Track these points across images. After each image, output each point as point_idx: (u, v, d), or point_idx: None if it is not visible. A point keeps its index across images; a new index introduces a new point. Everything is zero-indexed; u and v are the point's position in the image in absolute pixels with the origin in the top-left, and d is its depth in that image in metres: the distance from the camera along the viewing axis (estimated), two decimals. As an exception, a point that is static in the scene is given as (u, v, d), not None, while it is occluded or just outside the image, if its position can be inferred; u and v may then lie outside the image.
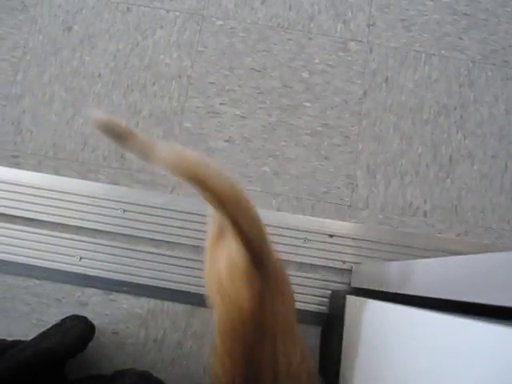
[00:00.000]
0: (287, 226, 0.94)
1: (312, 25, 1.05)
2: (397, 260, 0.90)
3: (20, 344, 0.85)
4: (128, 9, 1.06)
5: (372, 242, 0.95)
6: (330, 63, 1.03)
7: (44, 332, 0.89)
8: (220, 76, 1.02)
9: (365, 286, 0.84)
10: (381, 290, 0.75)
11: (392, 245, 0.95)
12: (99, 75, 1.03)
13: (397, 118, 1.01)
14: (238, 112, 1.00)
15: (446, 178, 1.00)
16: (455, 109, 1.03)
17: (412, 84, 1.04)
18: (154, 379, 0.83)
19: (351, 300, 0.76)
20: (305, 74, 1.02)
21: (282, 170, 0.97)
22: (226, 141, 0.99)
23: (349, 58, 1.04)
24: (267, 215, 0.94)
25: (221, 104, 1.00)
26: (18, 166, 0.97)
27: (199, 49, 1.04)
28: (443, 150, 1.02)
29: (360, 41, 1.05)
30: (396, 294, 0.65)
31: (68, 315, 0.92)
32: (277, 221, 0.94)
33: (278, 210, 0.95)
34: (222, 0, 1.07)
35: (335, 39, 1.05)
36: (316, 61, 1.03)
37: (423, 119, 1.02)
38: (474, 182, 1.00)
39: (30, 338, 0.83)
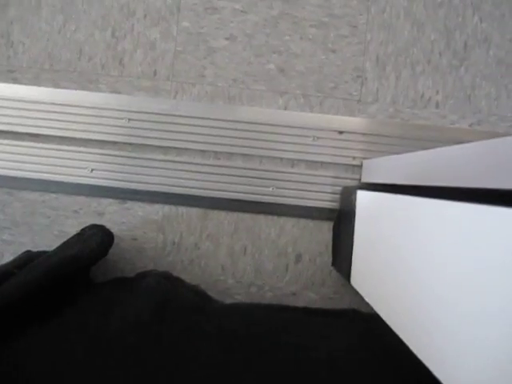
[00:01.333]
0: (295, 125, 0.94)
1: None
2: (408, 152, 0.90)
3: (44, 254, 0.90)
4: None
5: (382, 136, 0.95)
6: None
7: (66, 242, 0.94)
8: (215, -33, 0.96)
9: (375, 180, 0.85)
10: (391, 183, 0.76)
11: (403, 138, 0.95)
12: (86, -25, 0.97)
13: (407, 2, 0.96)
14: (237, 6, 0.95)
15: (459, 66, 0.97)
16: (471, -14, 0.97)
17: (424, -39, 0.97)
18: (174, 278, 0.89)
19: (362, 194, 0.78)
20: (307, -42, 0.96)
21: (288, 66, 0.95)
22: (227, 39, 0.96)
23: None
24: (274, 114, 0.94)
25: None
26: (15, 81, 0.96)
27: None
28: (457, 35, 0.97)
29: None
30: (406, 186, 0.66)
31: (86, 225, 0.96)
32: (284, 120, 0.94)
33: (285, 108, 0.95)
34: None
35: None
36: None
37: (436, 2, 0.96)
38: (489, 69, 0.97)
39: (53, 248, 0.87)
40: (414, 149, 0.95)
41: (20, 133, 0.96)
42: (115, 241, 0.94)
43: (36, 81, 0.96)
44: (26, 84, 0.96)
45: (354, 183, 0.95)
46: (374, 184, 0.86)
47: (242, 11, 0.96)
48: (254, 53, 0.96)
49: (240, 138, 0.94)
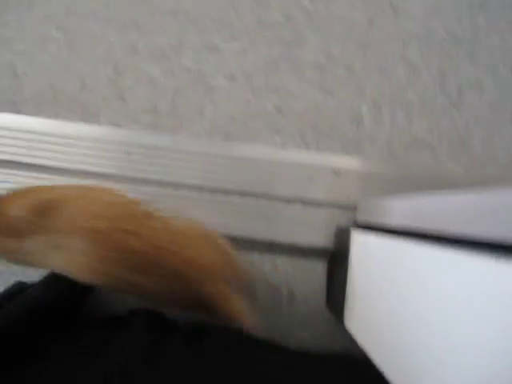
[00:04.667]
0: (291, 163, 1.00)
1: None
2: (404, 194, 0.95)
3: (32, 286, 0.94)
4: None
5: (378, 176, 1.00)
6: (333, -9, 1.04)
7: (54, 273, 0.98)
8: (220, 13, 1.04)
9: (370, 221, 0.89)
10: (386, 224, 0.80)
11: (398, 179, 1.00)
12: (93, 13, 1.05)
13: (403, 46, 1.03)
14: (237, 47, 1.03)
15: (453, 109, 1.03)
16: (464, 35, 1.05)
17: (420, 10, 1.05)
18: (165, 318, 0.92)
19: (356, 235, 0.82)
20: (306, 3, 1.04)
21: (285, 106, 1.01)
22: (226, 78, 1.02)
23: (352, -15, 1.04)
24: (271, 152, 0.99)
25: (220, 39, 1.03)
26: (19, 111, 1.02)
27: (195, -20, 1.04)
28: (451, 79, 1.04)
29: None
30: (401, 228, 0.70)
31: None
32: (281, 158, 0.99)
33: (282, 147, 1.00)
34: None
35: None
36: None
37: (431, 47, 1.04)
38: (482, 113, 1.04)
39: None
40: (410, 190, 1.01)
41: (20, 162, 1.01)
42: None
43: (39, 112, 1.02)
44: (28, 115, 1.02)
45: (349, 223, 1.00)
46: (368, 224, 0.91)
47: (242, 51, 1.03)
48: (252, 92, 1.02)
49: (237, 174, 0.99)
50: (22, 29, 1.05)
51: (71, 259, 0.73)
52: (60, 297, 0.84)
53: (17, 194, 0.75)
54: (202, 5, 1.04)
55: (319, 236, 1.00)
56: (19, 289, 0.93)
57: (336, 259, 0.95)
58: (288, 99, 1.02)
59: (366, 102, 1.03)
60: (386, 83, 1.04)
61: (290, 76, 1.03)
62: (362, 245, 0.79)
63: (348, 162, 1.02)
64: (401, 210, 0.77)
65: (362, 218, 0.96)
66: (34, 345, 0.74)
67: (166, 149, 1.00)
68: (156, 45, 1.03)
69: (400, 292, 0.56)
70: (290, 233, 0.99)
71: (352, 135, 1.02)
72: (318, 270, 1.00)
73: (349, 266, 0.84)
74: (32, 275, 0.95)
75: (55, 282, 0.88)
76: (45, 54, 1.04)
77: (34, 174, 1.00)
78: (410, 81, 1.04)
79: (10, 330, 0.71)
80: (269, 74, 1.03)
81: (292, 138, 1.02)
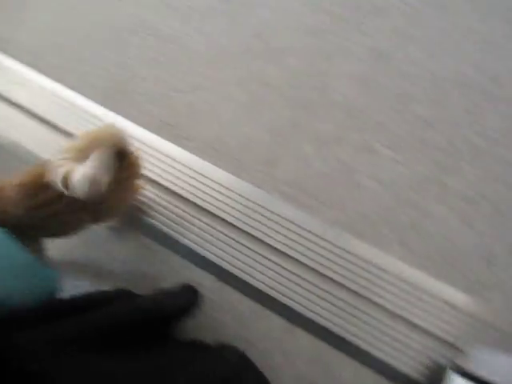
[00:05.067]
0: (405, 279, 0.99)
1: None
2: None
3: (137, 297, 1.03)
4: (315, 33, 1.20)
5: (497, 329, 0.95)
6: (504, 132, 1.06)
7: (161, 292, 1.06)
8: (385, 117, 1.10)
9: (474, 371, 0.84)
10: (491, 381, 0.76)
11: (515, 337, 0.94)
12: (274, 87, 1.18)
13: None
14: (394, 156, 1.08)
15: None
16: None
17: None
18: (251, 363, 0.94)
19: (455, 379, 0.78)
20: (474, 138, 1.06)
21: (420, 224, 1.03)
22: (376, 180, 1.07)
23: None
24: (392, 263, 1.00)
25: (380, 145, 1.09)
26: (184, 147, 1.17)
27: (371, 85, 1.13)
28: None
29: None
30: None
31: (183, 283, 1.08)
32: (397, 271, 0.99)
33: (400, 258, 1.00)
34: (409, 46, 1.15)
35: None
36: (489, 127, 1.07)
37: None
38: None
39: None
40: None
41: (165, 187, 1.14)
42: (202, 306, 1.03)
43: (199, 153, 1.16)
44: (192, 153, 1.16)
45: (448, 363, 0.95)
46: (471, 374, 0.86)
47: (397, 161, 1.07)
48: (393, 201, 1.05)
49: (351, 270, 1.01)
50: (216, 82, 1.22)
51: None
52: (160, 311, 0.92)
53: None
54: (372, 107, 1.12)
55: (412, 363, 0.96)
56: (128, 295, 1.03)
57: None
58: (425, 219, 1.04)
59: (504, 246, 1.00)
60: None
61: (434, 198, 1.04)
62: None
63: (465, 301, 0.98)
64: (504, 370, 0.71)
65: (465, 364, 0.91)
66: (130, 345, 0.82)
67: (295, 224, 1.06)
68: (318, 129, 1.13)
69: None
70: (384, 348, 0.97)
71: (479, 275, 0.99)
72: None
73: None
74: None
75: (160, 297, 0.97)
76: (226, 109, 1.19)
77: (169, 199, 1.12)
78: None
79: (118, 326, 0.80)
80: (415, 189, 1.05)
81: (415, 256, 1.02)
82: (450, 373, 0.79)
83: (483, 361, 0.83)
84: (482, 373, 0.80)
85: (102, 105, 1.25)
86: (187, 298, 1.03)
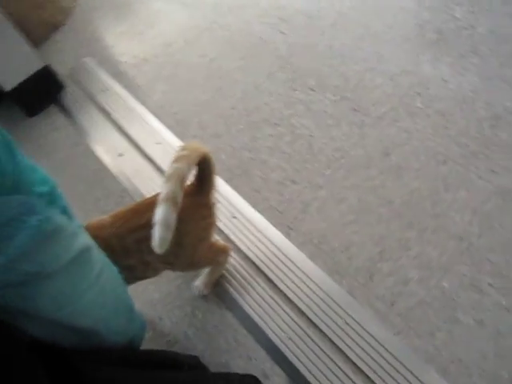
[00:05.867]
0: None
1: None
2: None
3: (207, 371, 1.04)
4: (444, 161, 1.23)
5: None
6: None
7: (229, 374, 1.06)
8: (502, 259, 1.06)
9: None
10: None
11: None
12: (390, 201, 1.21)
13: None
14: (503, 302, 1.01)
15: None
16: None
17: None
18: None
19: None
20: None
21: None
22: (476, 321, 1.01)
23: None
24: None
25: (489, 285, 1.04)
26: (288, 236, 1.22)
27: (494, 225, 1.10)
28: None
29: None
30: None
31: (250, 374, 1.07)
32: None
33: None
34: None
35: None
36: None
37: None
38: None
39: (211, 370, 1.00)
40: None
41: (260, 269, 1.19)
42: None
43: (301, 246, 1.19)
44: (292, 243, 1.20)
45: None
46: None
47: (505, 308, 1.01)
48: (495, 350, 0.98)
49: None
50: (332, 183, 1.28)
51: None
52: None
53: None
54: (489, 246, 1.09)
55: None
56: (196, 362, 1.05)
57: None
58: (529, 382, 0.93)
59: None
60: None
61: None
62: None
63: None
64: None
65: None
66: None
67: (378, 342, 1.03)
68: (427, 254, 1.11)
69: None
70: None
71: None
72: None
73: None
74: (204, 357, 1.06)
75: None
76: (336, 209, 1.24)
77: (260, 282, 1.15)
78: None
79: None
80: (521, 345, 0.97)
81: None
82: None
83: None
84: None
85: (223, 178, 1.37)
86: None
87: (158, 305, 1.24)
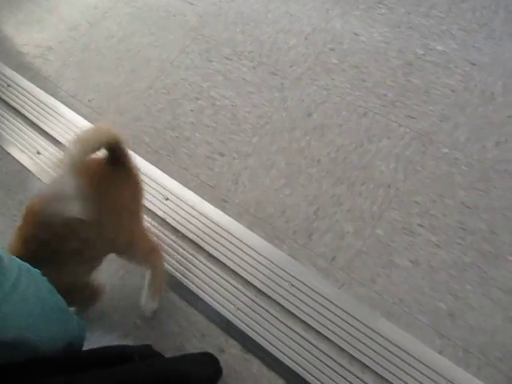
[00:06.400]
0: (442, 374, 0.94)
1: (543, 182, 1.07)
2: None
3: (161, 357, 1.02)
4: (365, 113, 1.25)
5: None
6: (552, 227, 1.03)
7: (183, 356, 1.05)
8: (427, 199, 1.11)
9: None
10: None
11: None
12: (318, 160, 1.22)
13: None
14: (433, 239, 1.06)
15: None
16: None
17: None
18: None
19: None
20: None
21: (459, 314, 0.99)
22: (411, 262, 1.05)
23: None
24: (425, 352, 0.95)
25: (419, 225, 1.08)
26: (223, 209, 1.20)
27: (417, 168, 1.15)
28: None
29: None
30: None
31: (206, 351, 1.06)
32: (433, 363, 0.95)
33: (440, 352, 0.96)
34: (455, 131, 1.17)
35: None
36: (536, 220, 1.04)
37: None
38: None
39: (166, 355, 0.98)
40: None
41: (201, 247, 1.17)
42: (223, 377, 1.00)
43: (238, 217, 1.18)
44: (229, 215, 1.19)
45: None
46: None
47: (435, 245, 1.06)
48: (430, 285, 1.02)
49: (381, 355, 0.97)
50: (260, 150, 1.27)
51: None
52: (186, 377, 0.90)
53: None
54: (414, 189, 1.13)
55: None
56: (148, 351, 1.03)
57: None
58: (464, 308, 0.99)
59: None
60: None
61: (474, 287, 1.01)
62: None
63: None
64: None
65: None
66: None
67: (325, 297, 1.05)
68: (359, 206, 1.14)
69: None
70: None
71: (523, 377, 0.92)
72: None
73: None
74: (182, 345, 1.04)
75: (186, 363, 0.95)
76: (266, 176, 1.23)
77: (209, 264, 1.14)
78: None
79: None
80: (453, 276, 1.03)
81: (454, 349, 0.97)
82: None
83: None
84: None
85: (149, 161, 1.32)
86: (211, 370, 1.02)
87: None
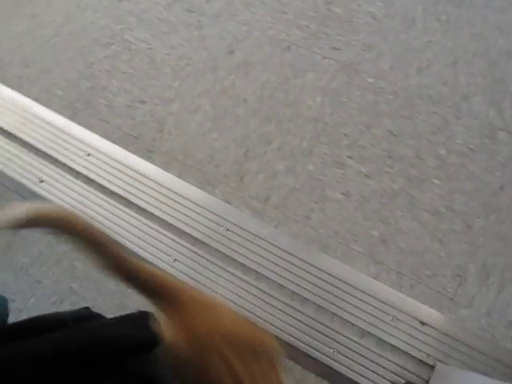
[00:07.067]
0: (379, 298, 0.97)
1: (463, 104, 1.09)
2: (489, 376, 0.87)
3: (100, 319, 0.98)
4: (288, 47, 1.21)
5: (466, 345, 0.93)
6: (472, 147, 1.06)
7: (122, 317, 1.01)
8: (355, 130, 1.10)
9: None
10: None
11: (488, 356, 0.92)
12: (244, 100, 1.17)
13: (532, 224, 1.00)
14: (362, 169, 1.07)
15: None
16: None
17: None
18: None
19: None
20: (442, 151, 1.06)
21: (391, 239, 1.01)
22: (343, 194, 1.05)
23: (494, 147, 1.05)
24: (362, 279, 0.98)
25: (348, 157, 1.08)
26: (150, 159, 1.14)
27: (343, 99, 1.13)
28: None
29: (510, 132, 1.06)
30: None
31: (146, 310, 1.03)
32: (370, 288, 0.97)
33: (375, 277, 0.99)
34: (379, 60, 1.16)
35: (484, 124, 1.08)
36: (458, 141, 1.07)
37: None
38: None
39: (107, 315, 0.94)
40: (496, 373, 0.92)
41: (131, 202, 1.10)
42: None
43: (166, 166, 1.13)
44: (156, 165, 1.13)
45: (419, 382, 0.92)
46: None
47: (365, 175, 1.06)
48: (363, 215, 1.04)
49: (320, 287, 0.99)
50: (183, 94, 1.20)
51: None
52: (122, 341, 0.87)
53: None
54: (342, 122, 1.11)
55: (382, 383, 0.93)
56: (86, 315, 0.98)
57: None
58: (396, 234, 1.02)
59: (475, 263, 0.99)
60: (503, 253, 0.99)
61: (404, 212, 1.03)
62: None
63: (438, 319, 0.96)
64: None
65: (436, 382, 0.89)
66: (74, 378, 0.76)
67: (261, 238, 1.04)
68: (288, 144, 1.11)
69: None
70: (354, 368, 0.94)
71: (451, 292, 0.97)
72: (370, 420, 0.92)
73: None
74: (98, 306, 1.00)
75: (123, 326, 0.92)
76: (192, 121, 1.17)
77: (141, 218, 1.09)
78: (530, 259, 0.99)
79: (71, 352, 0.74)
80: (384, 204, 1.04)
81: (388, 273, 1.00)
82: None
83: (453, 380, 0.81)
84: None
85: (65, 116, 1.22)
86: (150, 332, 0.98)
87: (30, 269, 1.12)
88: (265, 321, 0.98)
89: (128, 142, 1.18)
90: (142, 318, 0.95)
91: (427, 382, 0.92)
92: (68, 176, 1.15)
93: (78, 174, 1.16)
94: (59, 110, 1.24)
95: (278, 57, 1.20)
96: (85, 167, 1.17)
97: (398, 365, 0.93)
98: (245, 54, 1.22)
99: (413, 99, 1.11)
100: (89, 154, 1.17)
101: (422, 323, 0.95)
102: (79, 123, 1.22)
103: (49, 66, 1.31)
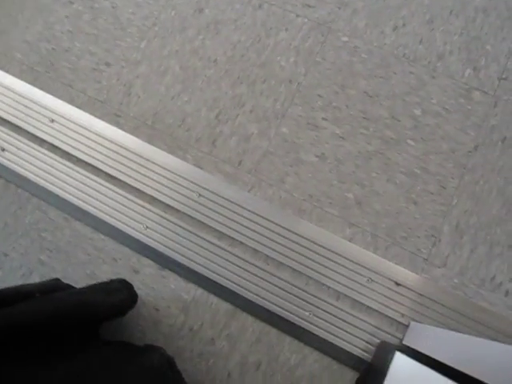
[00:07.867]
0: (354, 260, 0.96)
1: (439, 63, 1.07)
2: (461, 332, 0.89)
3: (69, 290, 0.95)
4: (260, 5, 1.15)
5: (439, 304, 0.94)
6: (447, 107, 1.04)
7: (92, 286, 0.99)
8: (330, 91, 1.07)
9: (417, 347, 0.83)
10: (433, 356, 0.75)
11: (460, 314, 0.93)
12: (215, 61, 1.12)
13: (504, 182, 1.00)
14: (337, 131, 1.04)
15: (542, 263, 0.96)
16: None
17: (532, 152, 1.02)
18: (176, 370, 0.89)
19: (400, 358, 0.77)
20: (417, 112, 1.04)
21: (366, 201, 1.00)
22: (318, 156, 1.03)
23: (469, 107, 1.04)
24: (337, 242, 0.97)
25: (323, 119, 1.05)
26: (118, 125, 1.09)
27: (317, 59, 1.09)
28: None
29: (486, 92, 1.05)
30: (448, 366, 0.65)
31: (117, 278, 1.01)
32: (345, 251, 0.97)
33: (350, 240, 0.98)
34: (354, 18, 1.12)
35: (459, 84, 1.06)
36: (433, 101, 1.05)
37: (534, 192, 1.00)
38: None
39: (79, 286, 0.92)
40: (470, 330, 0.93)
41: (99, 169, 1.06)
42: (137, 303, 0.97)
43: (135, 131, 1.08)
44: (125, 131, 1.08)
45: (394, 341, 0.93)
46: (414, 350, 0.84)
47: (340, 137, 1.04)
48: (338, 177, 1.02)
49: (295, 251, 0.98)
50: (150, 56, 1.14)
51: None
52: (92, 309, 0.84)
53: None
54: (316, 82, 1.08)
55: (359, 343, 0.94)
56: (54, 286, 0.95)
57: (370, 375, 0.88)
58: (371, 196, 1.01)
59: (449, 224, 0.99)
60: (477, 213, 0.99)
61: (379, 174, 1.02)
62: (402, 369, 0.74)
63: (412, 279, 0.97)
64: (447, 347, 0.71)
65: (409, 341, 0.90)
66: (49, 347, 0.74)
67: (234, 203, 1.01)
68: (261, 106, 1.08)
69: None
70: (330, 330, 0.94)
71: (425, 252, 0.97)
72: (345, 378, 0.93)
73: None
74: (69, 277, 0.97)
75: (92, 295, 0.89)
76: (161, 83, 1.12)
77: (105, 183, 1.05)
78: (502, 218, 0.99)
79: (39, 323, 0.72)
80: (359, 166, 1.02)
81: (363, 235, 0.99)
82: (394, 350, 0.77)
83: (426, 337, 0.81)
84: (426, 349, 0.79)
85: (26, 81, 1.15)
86: (122, 296, 0.97)
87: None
88: (240, 286, 0.97)
89: (94, 106, 1.12)
90: (112, 284, 0.93)
91: (401, 340, 0.92)
92: (31, 144, 1.10)
93: (41, 142, 1.11)
94: (19, 75, 1.18)
95: (249, 15, 1.15)
96: (49, 134, 1.11)
97: (373, 325, 0.94)
98: (215, 12, 1.16)
99: (388, 58, 1.08)
100: (52, 120, 1.12)
101: (397, 284, 0.95)
102: (41, 88, 1.16)
103: (5, 28, 1.23)
